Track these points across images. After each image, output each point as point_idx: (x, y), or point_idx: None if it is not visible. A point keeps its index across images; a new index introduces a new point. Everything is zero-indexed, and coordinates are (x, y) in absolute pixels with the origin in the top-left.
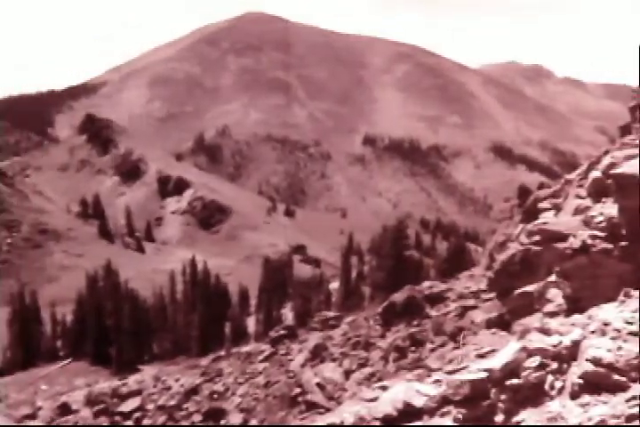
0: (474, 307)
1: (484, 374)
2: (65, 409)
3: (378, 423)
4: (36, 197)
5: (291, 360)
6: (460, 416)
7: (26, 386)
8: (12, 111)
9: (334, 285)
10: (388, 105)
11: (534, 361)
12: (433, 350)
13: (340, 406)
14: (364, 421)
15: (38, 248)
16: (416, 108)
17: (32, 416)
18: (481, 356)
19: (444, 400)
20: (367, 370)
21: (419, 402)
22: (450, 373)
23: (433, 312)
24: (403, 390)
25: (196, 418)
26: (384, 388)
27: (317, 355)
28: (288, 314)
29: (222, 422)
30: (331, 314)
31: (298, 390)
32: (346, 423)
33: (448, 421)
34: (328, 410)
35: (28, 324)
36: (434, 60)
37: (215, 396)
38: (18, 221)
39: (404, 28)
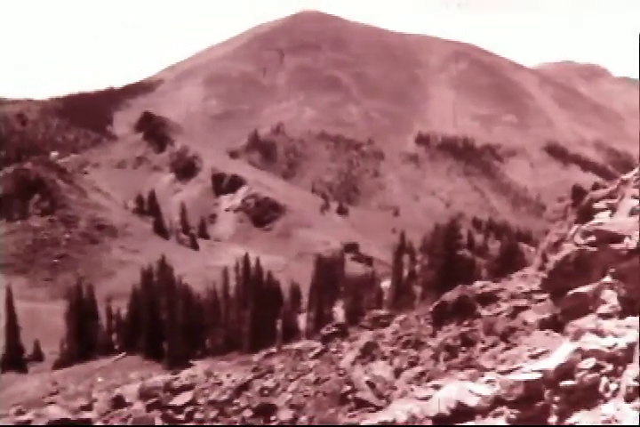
0: (525, 307)
1: (538, 375)
2: (119, 402)
3: (430, 422)
4: (93, 193)
5: (341, 358)
6: (514, 417)
7: (83, 378)
8: (72, 109)
9: (386, 283)
10: (443, 104)
11: (589, 363)
12: (484, 349)
13: (392, 404)
14: (417, 419)
15: (95, 244)
16: (471, 107)
17: (88, 408)
18: (534, 357)
19: (498, 401)
20: (417, 369)
21: (472, 402)
22: (503, 373)
23: (484, 312)
24: (455, 390)
25: (247, 414)
26: (437, 387)
27: (368, 353)
28: (339, 312)
29: (272, 418)
30: (382, 312)
31: (348, 387)
32: (398, 421)
33: (501, 421)
34: (378, 408)
35: (84, 317)
36: (489, 59)
37: (266, 392)
38: (76, 216)
39: (459, 27)
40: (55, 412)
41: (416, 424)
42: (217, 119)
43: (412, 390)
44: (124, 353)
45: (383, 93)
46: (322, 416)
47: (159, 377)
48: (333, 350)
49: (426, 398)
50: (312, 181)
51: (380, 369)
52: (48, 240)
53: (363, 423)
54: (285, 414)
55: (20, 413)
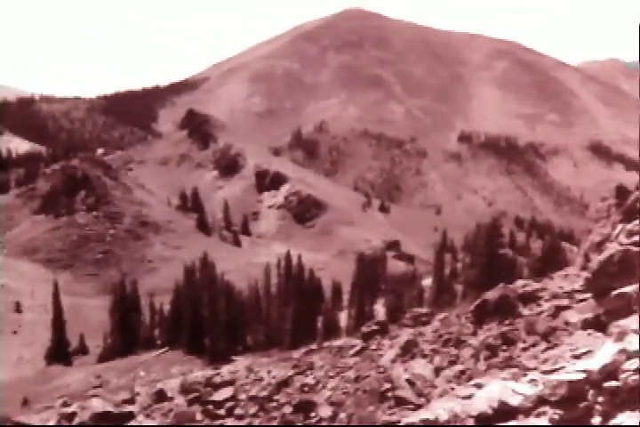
0: (567, 307)
1: (581, 376)
2: (161, 396)
3: (472, 421)
4: (138, 190)
5: (381, 356)
6: (557, 417)
7: (125, 372)
8: (118, 107)
9: (427, 281)
10: (486, 102)
11: (633, 364)
12: (524, 349)
13: (433, 403)
14: (458, 418)
15: (139, 240)
16: (514, 106)
17: (130, 401)
18: (576, 357)
19: (541, 400)
20: (457, 368)
21: (514, 401)
22: (546, 373)
23: (525, 311)
24: (498, 389)
25: (287, 410)
26: (479, 386)
27: (408, 351)
28: (380, 310)
29: (312, 415)
30: (423, 311)
31: (387, 385)
32: (440, 420)
33: (544, 421)
34: (417, 406)
35: (128, 313)
36: (533, 57)
37: (306, 388)
38: (120, 213)
39: (503, 25)
40: (98, 405)
41: (458, 424)
42: (260, 117)
43: (452, 388)
44: (166, 348)
45: (426, 91)
46: (361, 414)
47: (200, 372)
48: (374, 347)
49: (468, 397)
50: (354, 178)
51: (420, 367)
52: (93, 236)
53: (404, 421)
54: (325, 411)
55: (65, 405)
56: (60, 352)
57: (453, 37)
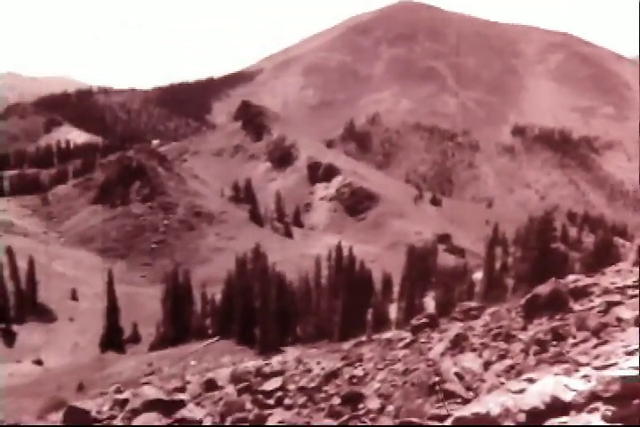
0: (619, 303)
1: (635, 372)
2: (211, 385)
3: (524, 416)
4: (192, 180)
5: (430, 349)
6: (609, 413)
7: (177, 361)
8: (173, 98)
9: (477, 275)
10: (540, 95)
11: None
12: (575, 345)
13: (485, 396)
14: (510, 412)
15: (192, 230)
16: (568, 99)
17: (181, 389)
18: (629, 353)
19: (593, 396)
20: (507, 362)
21: (567, 397)
22: (599, 368)
23: (577, 307)
24: (551, 384)
25: (335, 401)
26: (531, 380)
27: (457, 345)
28: (430, 303)
29: (360, 407)
30: (473, 304)
31: (436, 378)
32: (492, 414)
33: (596, 417)
34: (466, 400)
35: (180, 302)
36: (589, 50)
37: (354, 380)
38: (174, 203)
39: (558, 17)
40: (150, 392)
41: (505, 425)
42: (313, 109)
43: (501, 383)
44: (217, 338)
45: (479, 84)
46: (409, 406)
47: (250, 362)
48: (423, 340)
49: (520, 391)
50: (406, 171)
51: (470, 361)
52: (147, 226)
53: (455, 415)
54: (373, 403)
55: (118, 391)
56: (114, 340)
57: (508, 29)
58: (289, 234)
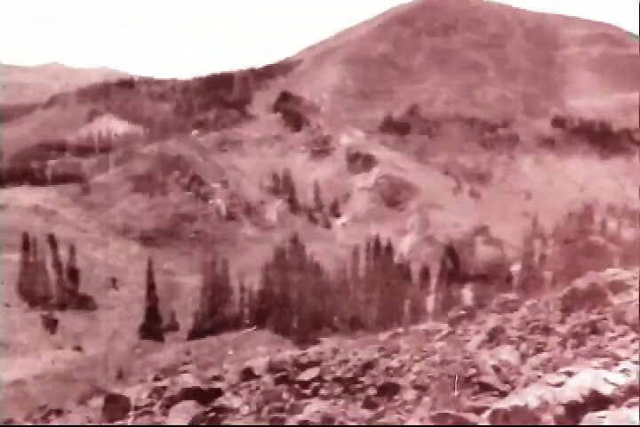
0: None
1: None
2: (248, 374)
3: (562, 409)
4: (231, 171)
5: (467, 341)
6: None
7: (214, 349)
8: (214, 88)
9: (516, 267)
10: (580, 86)
11: None
12: (613, 338)
13: (523, 389)
14: (549, 405)
15: (231, 220)
16: (609, 90)
17: (219, 378)
18: None
19: (632, 390)
20: (544, 355)
21: (606, 390)
22: (638, 363)
23: (615, 300)
24: (590, 378)
25: (371, 392)
26: (570, 374)
27: (494, 337)
28: (467, 294)
29: (396, 398)
30: (510, 297)
31: (473, 371)
32: (530, 407)
33: (635, 412)
34: (502, 393)
35: (218, 292)
36: (630, 41)
37: (391, 371)
38: (214, 193)
39: (600, 7)
40: (188, 380)
41: (538, 426)
42: (353, 99)
43: (538, 376)
44: (254, 327)
45: (520, 75)
46: (445, 398)
47: (287, 352)
48: (460, 332)
49: (559, 385)
50: (445, 162)
51: (506, 354)
52: (186, 216)
53: (493, 407)
54: (409, 395)
55: (157, 379)
56: (153, 328)
57: (549, 20)
58: (327, 225)
